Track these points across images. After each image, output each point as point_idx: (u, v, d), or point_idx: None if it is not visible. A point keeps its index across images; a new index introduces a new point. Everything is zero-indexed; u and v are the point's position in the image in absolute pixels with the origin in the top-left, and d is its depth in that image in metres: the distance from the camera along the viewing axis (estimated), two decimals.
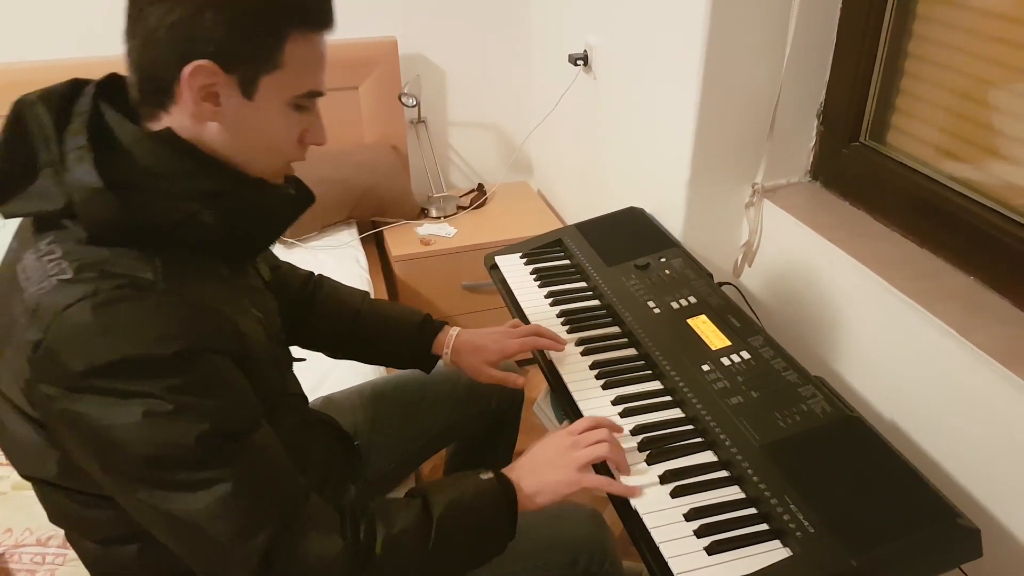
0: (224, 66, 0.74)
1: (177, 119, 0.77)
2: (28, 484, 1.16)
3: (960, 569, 0.94)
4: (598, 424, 0.99)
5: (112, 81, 0.80)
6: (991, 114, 1.15)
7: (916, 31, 1.27)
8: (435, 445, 1.37)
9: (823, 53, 1.40)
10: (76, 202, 0.72)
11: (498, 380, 1.18)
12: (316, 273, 1.24)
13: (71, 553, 1.06)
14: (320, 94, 0.81)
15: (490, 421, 1.39)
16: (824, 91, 1.43)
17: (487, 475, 0.90)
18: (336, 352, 1.23)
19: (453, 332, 1.20)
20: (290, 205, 0.88)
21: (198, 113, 0.76)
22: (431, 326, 1.20)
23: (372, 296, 1.27)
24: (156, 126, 0.77)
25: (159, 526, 0.77)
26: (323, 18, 0.78)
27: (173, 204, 0.76)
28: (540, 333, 1.22)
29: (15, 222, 0.81)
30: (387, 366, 1.28)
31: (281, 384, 0.95)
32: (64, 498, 0.86)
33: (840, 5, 1.35)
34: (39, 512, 1.11)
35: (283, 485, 0.80)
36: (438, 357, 1.21)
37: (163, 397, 0.71)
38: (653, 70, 1.56)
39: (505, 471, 0.92)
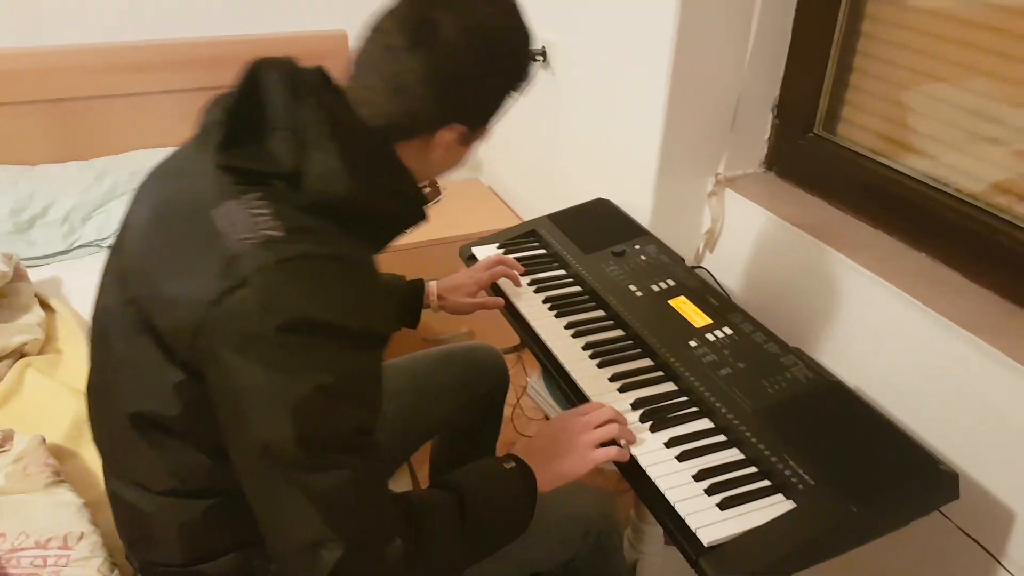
0: (470, 127, 0.87)
1: (404, 147, 0.85)
2: (16, 489, 1.13)
3: (940, 511, 1.03)
4: (602, 407, 1.05)
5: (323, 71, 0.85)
6: (931, 105, 1.27)
7: (865, 30, 1.38)
8: (426, 435, 1.40)
9: (781, 50, 1.50)
10: (312, 175, 0.76)
11: (479, 305, 1.34)
12: None
13: (74, 553, 1.04)
14: None
15: (481, 409, 1.42)
16: (779, 86, 1.53)
17: (509, 464, 0.96)
18: None
19: (432, 284, 1.36)
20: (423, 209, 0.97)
21: (428, 151, 0.86)
22: (416, 286, 1.33)
23: None
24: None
25: (260, 489, 0.76)
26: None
27: (380, 194, 0.83)
28: (503, 262, 1.39)
29: None
30: None
31: None
32: (163, 436, 0.82)
33: (795, 5, 1.45)
34: (34, 516, 1.09)
35: (383, 495, 0.82)
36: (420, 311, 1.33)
37: (339, 375, 0.73)
38: (620, 68, 1.63)
39: (523, 456, 0.97)
